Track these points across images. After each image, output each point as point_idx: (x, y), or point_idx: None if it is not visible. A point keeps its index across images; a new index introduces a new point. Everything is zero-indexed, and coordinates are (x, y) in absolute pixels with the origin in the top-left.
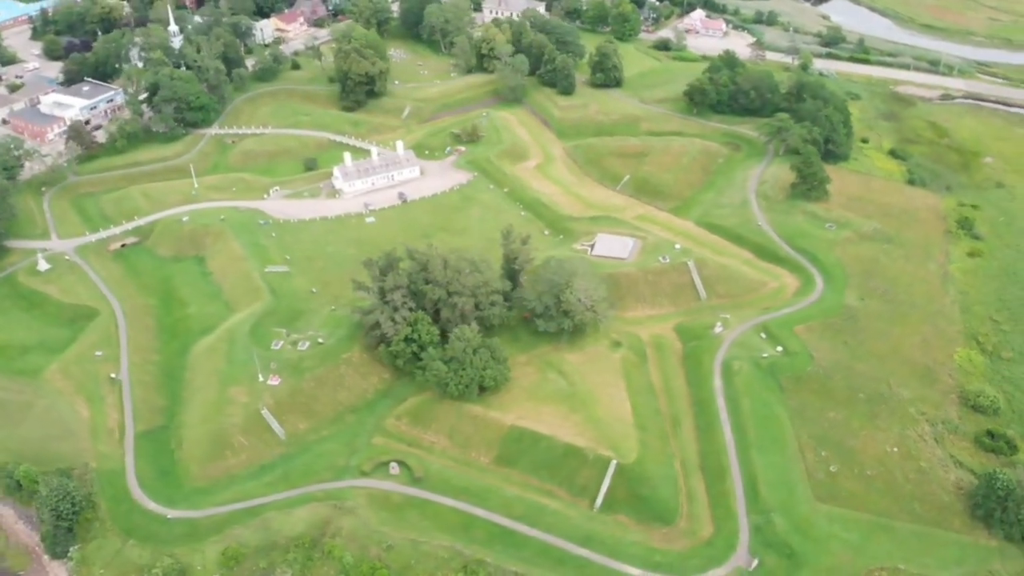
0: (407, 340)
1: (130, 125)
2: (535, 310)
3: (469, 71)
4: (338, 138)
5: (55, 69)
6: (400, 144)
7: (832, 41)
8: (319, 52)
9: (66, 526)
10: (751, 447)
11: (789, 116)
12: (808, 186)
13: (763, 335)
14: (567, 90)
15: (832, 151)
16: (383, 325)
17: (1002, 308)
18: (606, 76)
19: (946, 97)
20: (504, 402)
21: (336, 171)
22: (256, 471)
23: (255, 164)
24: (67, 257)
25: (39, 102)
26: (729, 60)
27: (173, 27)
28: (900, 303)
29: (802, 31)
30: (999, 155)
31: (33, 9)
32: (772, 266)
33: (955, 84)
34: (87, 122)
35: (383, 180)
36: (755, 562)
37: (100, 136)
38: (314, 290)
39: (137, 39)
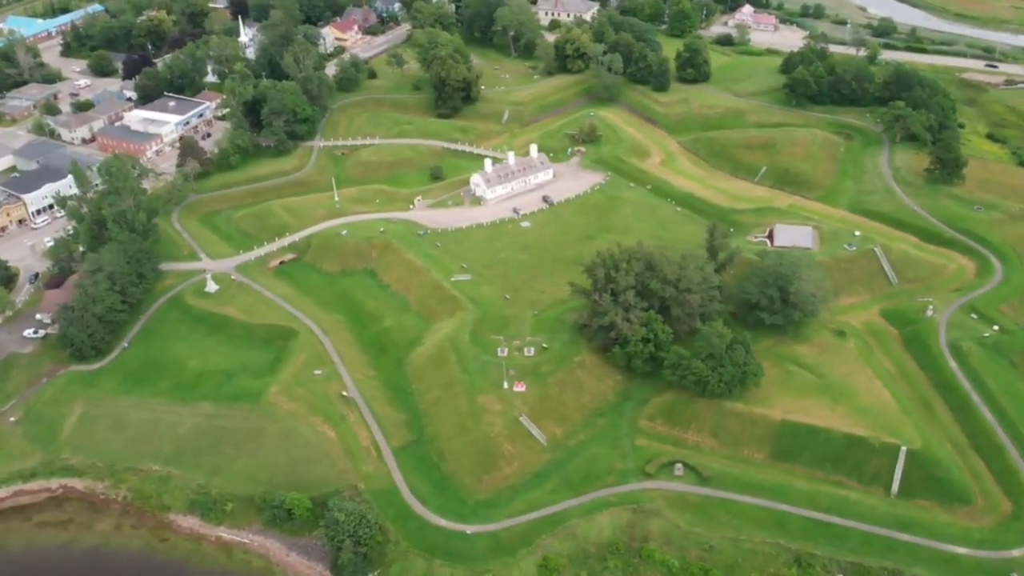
0: (644, 340)
1: (242, 140)
2: (759, 303)
3: (550, 73)
4: (451, 146)
5: (108, 85)
6: (534, 148)
7: (885, 32)
8: (401, 59)
9: (363, 552)
10: (1016, 423)
11: (903, 104)
12: (947, 170)
13: (974, 316)
14: (662, 86)
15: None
16: (620, 325)
17: None
18: (696, 71)
19: (1010, 82)
20: (761, 398)
21: (476, 177)
22: (532, 479)
23: (376, 175)
24: (233, 277)
25: (121, 119)
26: (819, 52)
27: (244, 38)
28: None
29: (850, 23)
30: None
31: (53, 25)
32: (943, 249)
33: (1014, 69)
34: (179, 138)
35: (520, 185)
36: None
37: None
38: (507, 297)
39: (210, 52)
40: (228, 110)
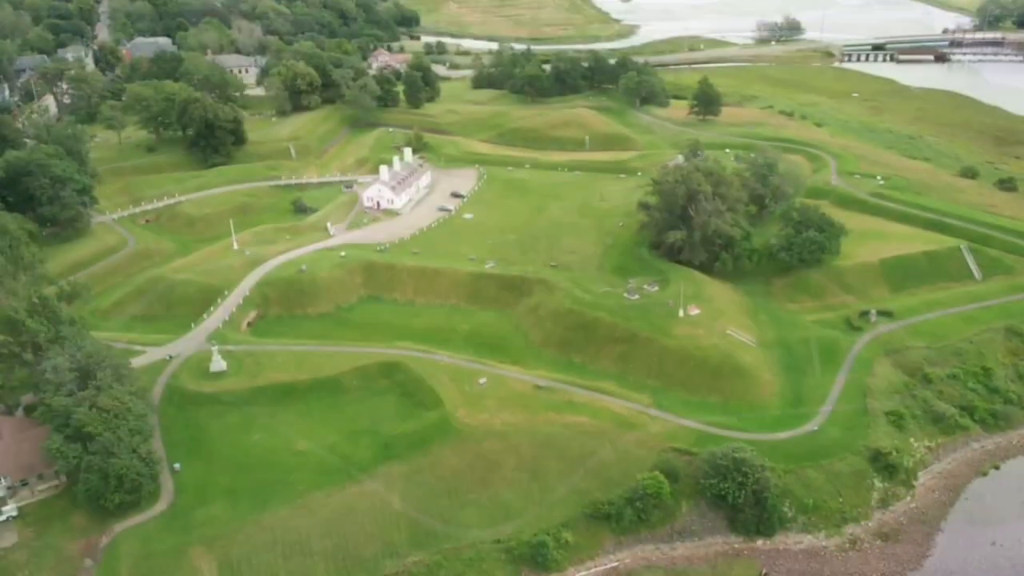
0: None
1: (27, 226)
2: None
3: (284, 112)
4: (277, 182)
5: None
6: (408, 151)
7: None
8: (121, 121)
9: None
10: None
11: (635, 75)
12: (709, 110)
13: (857, 175)
14: (416, 104)
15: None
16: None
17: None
18: (432, 89)
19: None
20: None
21: (376, 189)
22: None
23: (224, 226)
24: (230, 348)
25: None
26: (527, 54)
27: None
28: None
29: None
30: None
31: None
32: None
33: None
34: None
35: (415, 190)
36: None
37: None
38: (554, 264)
39: None
40: None
